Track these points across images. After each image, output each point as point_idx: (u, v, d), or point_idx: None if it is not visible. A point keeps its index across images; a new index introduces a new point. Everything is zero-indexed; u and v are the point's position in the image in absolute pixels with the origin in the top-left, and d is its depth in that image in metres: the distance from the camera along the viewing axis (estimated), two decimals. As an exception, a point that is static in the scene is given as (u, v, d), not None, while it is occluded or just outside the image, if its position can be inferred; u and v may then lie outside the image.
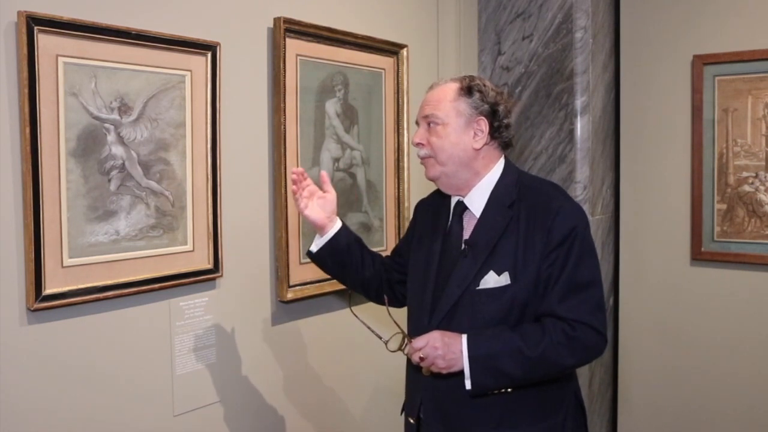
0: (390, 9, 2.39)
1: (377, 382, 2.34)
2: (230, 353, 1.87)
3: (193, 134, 1.73)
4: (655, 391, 2.93)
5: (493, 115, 1.55)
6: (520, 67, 2.79)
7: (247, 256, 1.91)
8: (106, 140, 1.55)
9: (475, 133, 1.55)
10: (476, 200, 1.58)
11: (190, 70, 1.71)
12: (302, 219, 1.98)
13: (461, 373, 1.45)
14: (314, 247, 1.73)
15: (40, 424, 1.46)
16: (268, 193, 1.96)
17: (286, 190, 1.93)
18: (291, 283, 1.99)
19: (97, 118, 1.53)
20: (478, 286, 1.49)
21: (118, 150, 1.57)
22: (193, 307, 1.76)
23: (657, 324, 2.91)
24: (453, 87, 1.56)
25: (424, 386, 1.56)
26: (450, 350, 1.44)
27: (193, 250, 1.75)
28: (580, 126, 2.66)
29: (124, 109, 1.58)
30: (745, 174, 2.69)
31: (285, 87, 1.94)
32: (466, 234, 1.57)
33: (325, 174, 1.75)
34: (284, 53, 1.93)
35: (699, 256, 2.78)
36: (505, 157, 1.63)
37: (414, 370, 1.60)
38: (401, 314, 1.67)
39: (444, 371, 1.46)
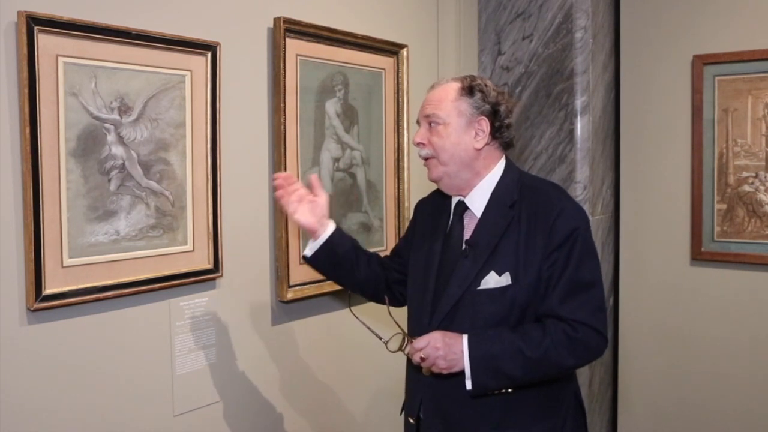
0: (390, 9, 2.39)
1: (377, 382, 2.34)
2: (230, 353, 1.87)
3: (193, 134, 1.73)
4: (655, 391, 2.93)
5: (494, 115, 1.55)
6: (520, 67, 2.79)
7: (247, 256, 1.91)
8: (106, 140, 1.55)
9: (476, 133, 1.55)
10: (477, 200, 1.57)
11: (190, 70, 1.71)
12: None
13: (462, 373, 1.45)
14: (308, 252, 1.73)
15: (40, 424, 1.46)
16: (268, 193, 1.95)
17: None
18: (291, 283, 1.99)
19: (97, 118, 1.53)
20: (479, 286, 1.49)
21: (118, 150, 1.57)
22: (193, 307, 1.76)
23: (657, 324, 2.91)
24: (454, 87, 1.56)
25: (425, 386, 1.56)
26: (451, 350, 1.44)
27: (193, 250, 1.75)
28: (580, 126, 2.66)
29: (124, 109, 1.58)
30: (745, 174, 2.69)
31: (285, 87, 1.94)
32: (467, 234, 1.56)
33: (315, 177, 1.74)
34: (284, 53, 1.93)
35: (699, 256, 2.78)
36: (506, 157, 1.63)
37: (414, 370, 1.60)
38: (401, 314, 1.67)
39: (445, 371, 1.46)
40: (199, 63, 1.73)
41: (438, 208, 1.68)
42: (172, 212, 1.70)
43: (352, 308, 1.64)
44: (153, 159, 1.65)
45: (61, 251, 1.48)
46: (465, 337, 1.46)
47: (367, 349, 2.18)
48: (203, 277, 1.77)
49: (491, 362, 1.43)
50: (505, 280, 1.48)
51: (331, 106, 2.14)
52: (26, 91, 1.38)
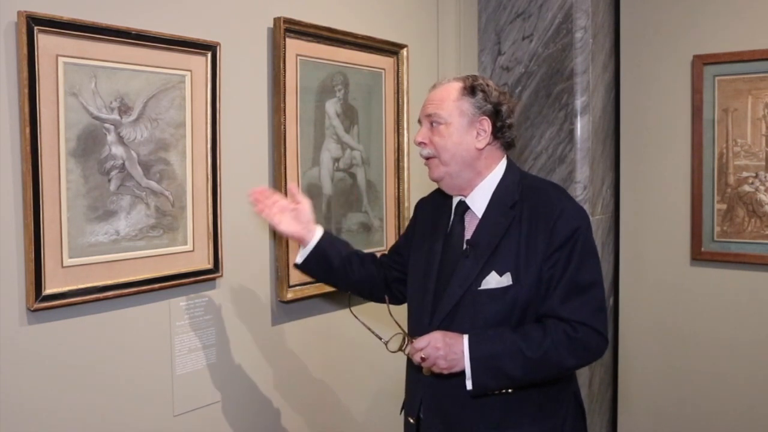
0: (390, 9, 2.39)
1: (377, 381, 2.34)
2: (230, 353, 1.87)
3: (193, 134, 1.73)
4: (655, 391, 2.93)
5: (496, 115, 1.55)
6: (520, 67, 2.79)
7: (247, 256, 1.91)
8: (106, 140, 1.55)
9: (477, 133, 1.55)
10: (478, 200, 1.57)
11: (190, 70, 1.71)
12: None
13: (462, 373, 1.45)
14: (299, 259, 1.75)
15: (40, 424, 1.45)
16: (268, 193, 1.95)
17: (286, 191, 1.93)
18: (291, 283, 1.99)
19: (97, 118, 1.53)
20: (480, 286, 1.49)
21: (118, 150, 1.57)
22: (193, 307, 1.76)
23: (657, 324, 2.91)
24: (456, 86, 1.56)
25: (425, 386, 1.56)
26: (451, 350, 1.44)
27: (193, 250, 1.75)
28: (580, 126, 2.66)
29: (124, 109, 1.58)
30: (745, 174, 2.69)
31: (285, 87, 1.94)
32: (468, 234, 1.56)
33: (293, 185, 1.78)
34: (284, 53, 1.93)
35: (699, 256, 2.78)
36: (507, 157, 1.63)
37: (414, 370, 1.60)
38: (402, 314, 1.67)
39: (445, 371, 1.46)
40: (199, 63, 1.73)
41: (438, 208, 1.68)
42: (172, 212, 1.70)
43: (352, 308, 1.64)
44: (153, 159, 1.65)
45: (61, 251, 1.47)
46: (465, 337, 1.46)
47: (367, 349, 2.18)
48: (203, 277, 1.77)
49: (492, 362, 1.44)
50: (506, 280, 1.48)
51: (331, 106, 2.14)
52: (26, 91, 1.38)
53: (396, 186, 2.39)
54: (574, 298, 1.47)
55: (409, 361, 1.60)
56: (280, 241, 1.96)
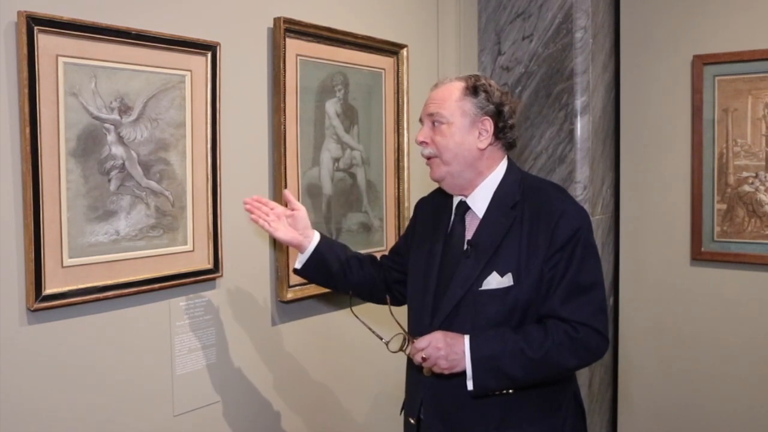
0: (390, 9, 2.39)
1: (377, 382, 2.34)
2: (230, 353, 1.87)
3: (193, 134, 1.73)
4: (655, 391, 2.93)
5: (498, 115, 1.55)
6: (520, 67, 2.79)
7: (247, 256, 1.91)
8: (106, 140, 1.55)
9: (479, 133, 1.54)
10: (479, 200, 1.57)
11: (190, 70, 1.71)
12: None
13: (463, 373, 1.45)
14: (298, 264, 1.75)
15: (40, 424, 1.45)
16: (268, 193, 1.95)
17: (285, 188, 1.93)
18: (291, 283, 1.99)
19: (97, 118, 1.53)
20: (481, 287, 1.49)
21: (118, 150, 1.57)
22: (193, 307, 1.76)
23: (657, 324, 2.91)
24: (458, 86, 1.56)
25: (425, 386, 1.56)
26: (452, 351, 1.44)
27: (193, 250, 1.75)
28: (580, 126, 2.66)
29: (124, 109, 1.57)
30: (745, 174, 2.69)
31: (285, 87, 1.94)
32: (469, 234, 1.56)
33: (288, 192, 1.78)
34: (284, 53, 1.93)
35: (699, 256, 2.78)
36: (508, 158, 1.63)
37: (415, 370, 1.60)
38: (402, 314, 1.67)
39: (446, 372, 1.46)
40: (199, 63, 1.73)
41: (439, 208, 1.68)
42: (172, 212, 1.70)
43: (353, 308, 1.64)
44: (153, 159, 1.64)
45: (61, 251, 1.47)
46: (466, 338, 1.46)
47: (367, 350, 2.18)
48: (203, 277, 1.77)
49: (492, 362, 1.43)
50: (507, 280, 1.48)
51: (331, 106, 2.14)
52: (26, 91, 1.38)
53: (396, 186, 2.39)
54: (575, 298, 1.47)
55: (410, 361, 1.59)
56: (278, 242, 1.96)
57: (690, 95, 2.77)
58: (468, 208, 1.59)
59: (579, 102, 2.66)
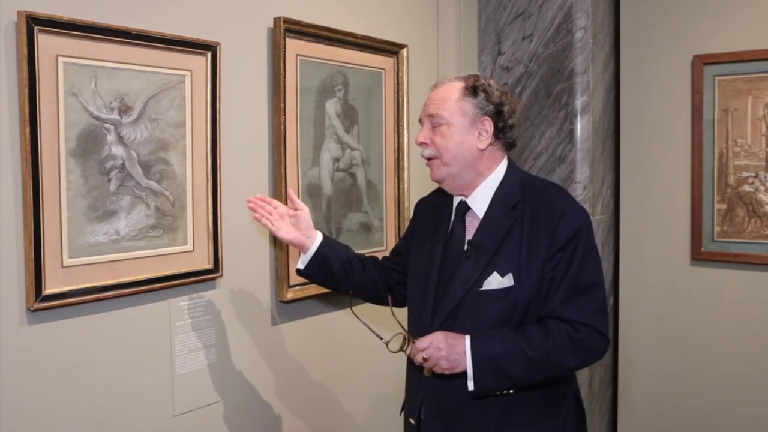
0: (390, 9, 2.39)
1: (377, 382, 2.34)
2: (230, 353, 1.87)
3: (193, 134, 1.73)
4: (655, 391, 2.93)
5: (497, 115, 1.55)
6: (520, 67, 2.79)
7: (247, 256, 1.91)
8: (106, 140, 1.54)
9: (479, 134, 1.54)
10: (479, 201, 1.57)
11: (190, 70, 1.71)
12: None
13: (463, 373, 1.45)
14: (300, 265, 1.75)
15: (40, 424, 1.45)
16: (268, 193, 1.95)
17: (285, 191, 1.93)
18: (291, 283, 1.99)
19: (97, 118, 1.53)
20: (482, 287, 1.49)
21: (118, 150, 1.57)
22: (193, 307, 1.76)
23: (657, 324, 2.91)
24: (458, 86, 1.55)
25: (425, 387, 1.56)
26: (453, 351, 1.44)
27: (193, 250, 1.75)
28: (580, 126, 2.66)
29: (124, 109, 1.57)
30: (745, 174, 2.69)
31: (285, 87, 1.94)
32: (469, 234, 1.56)
33: (291, 192, 1.79)
34: (284, 53, 1.93)
35: (699, 256, 2.78)
36: (508, 158, 1.63)
37: (415, 370, 1.60)
38: (403, 314, 1.67)
39: (447, 372, 1.46)
40: (199, 63, 1.73)
41: (439, 208, 1.68)
42: (172, 212, 1.70)
43: (353, 308, 1.64)
44: (153, 159, 1.64)
45: (61, 251, 1.47)
46: (467, 338, 1.45)
47: (367, 350, 2.18)
48: (203, 277, 1.77)
49: (493, 363, 1.43)
50: (508, 281, 1.48)
51: (331, 106, 2.14)
52: (26, 91, 1.38)
53: (396, 186, 2.39)
54: (575, 298, 1.47)
55: (410, 361, 1.59)
56: (279, 241, 1.96)
57: (690, 95, 2.77)
58: (468, 208, 1.59)
59: (579, 102, 2.66)
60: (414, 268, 1.69)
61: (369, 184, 2.29)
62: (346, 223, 2.20)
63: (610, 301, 2.95)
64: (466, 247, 1.54)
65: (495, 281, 1.48)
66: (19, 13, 1.37)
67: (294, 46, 1.97)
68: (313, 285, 2.04)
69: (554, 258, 1.47)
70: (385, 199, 2.35)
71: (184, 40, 1.67)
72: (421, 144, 1.58)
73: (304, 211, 1.73)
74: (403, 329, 1.52)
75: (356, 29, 2.17)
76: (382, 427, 2.33)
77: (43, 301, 1.43)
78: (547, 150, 2.73)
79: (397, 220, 2.40)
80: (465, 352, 1.44)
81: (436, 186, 1.69)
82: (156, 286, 1.65)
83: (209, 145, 1.76)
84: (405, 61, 2.37)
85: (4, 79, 1.38)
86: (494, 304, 1.49)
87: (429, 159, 1.59)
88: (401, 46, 2.36)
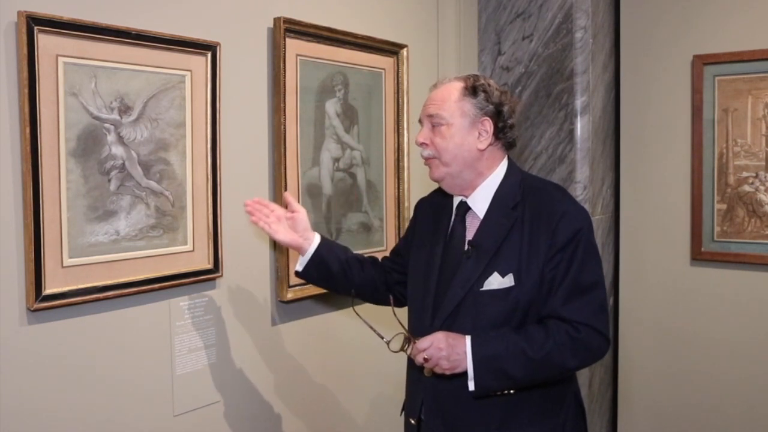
0: (390, 9, 2.39)
1: (377, 382, 2.34)
2: (230, 353, 1.87)
3: (193, 134, 1.73)
4: (655, 391, 2.93)
5: (497, 115, 1.55)
6: (520, 67, 2.79)
7: (247, 256, 1.91)
8: (106, 140, 1.54)
9: (479, 134, 1.54)
10: (480, 201, 1.57)
11: (190, 70, 1.71)
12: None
13: (464, 374, 1.45)
14: (299, 267, 1.75)
15: (40, 424, 1.45)
16: (268, 193, 1.95)
17: (285, 191, 1.93)
18: (291, 283, 1.99)
19: (97, 118, 1.53)
20: (482, 287, 1.49)
21: (118, 150, 1.57)
22: (193, 307, 1.76)
23: (657, 324, 2.91)
24: (458, 86, 1.55)
25: (426, 387, 1.56)
26: (454, 351, 1.44)
27: (193, 250, 1.75)
28: (580, 126, 2.66)
29: (124, 109, 1.57)
30: (745, 174, 2.69)
31: (285, 87, 1.94)
32: (470, 235, 1.56)
33: (288, 194, 1.79)
34: (284, 53, 1.93)
35: (699, 256, 2.78)
36: (509, 158, 1.63)
37: (415, 370, 1.60)
38: (403, 315, 1.67)
39: (448, 372, 1.46)
40: (199, 63, 1.73)
41: (439, 208, 1.68)
42: (172, 212, 1.70)
43: (355, 307, 1.64)
44: (153, 159, 1.64)
45: (61, 251, 1.47)
46: (468, 338, 1.45)
47: (367, 350, 2.18)
48: (203, 277, 1.77)
49: (494, 363, 1.43)
50: (509, 281, 1.48)
51: (331, 106, 2.14)
52: (26, 91, 1.38)
53: (396, 186, 2.39)
54: (576, 299, 1.47)
55: (410, 361, 1.59)
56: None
57: (690, 95, 2.77)
58: (468, 208, 1.59)
59: (579, 102, 2.66)
60: (414, 268, 1.69)
61: (369, 184, 2.29)
62: (346, 223, 2.20)
63: (610, 301, 2.95)
64: (466, 247, 1.54)
65: (495, 281, 1.48)
66: (19, 13, 1.37)
67: (294, 46, 1.97)
68: (313, 285, 2.04)
69: (555, 258, 1.47)
70: (385, 199, 2.35)
71: (184, 40, 1.67)
72: (421, 144, 1.58)
73: (301, 213, 1.74)
74: (404, 329, 1.52)
75: (356, 29, 2.17)
76: (382, 427, 2.33)
77: (43, 301, 1.43)
78: (547, 150, 2.73)
79: (397, 220, 2.40)
80: (465, 353, 1.44)
81: (436, 186, 1.69)
82: (156, 286, 1.65)
83: (209, 145, 1.76)
84: (405, 61, 2.37)
85: (4, 79, 1.38)
86: (495, 304, 1.48)
87: (428, 159, 1.59)
88: (401, 46, 2.36)
